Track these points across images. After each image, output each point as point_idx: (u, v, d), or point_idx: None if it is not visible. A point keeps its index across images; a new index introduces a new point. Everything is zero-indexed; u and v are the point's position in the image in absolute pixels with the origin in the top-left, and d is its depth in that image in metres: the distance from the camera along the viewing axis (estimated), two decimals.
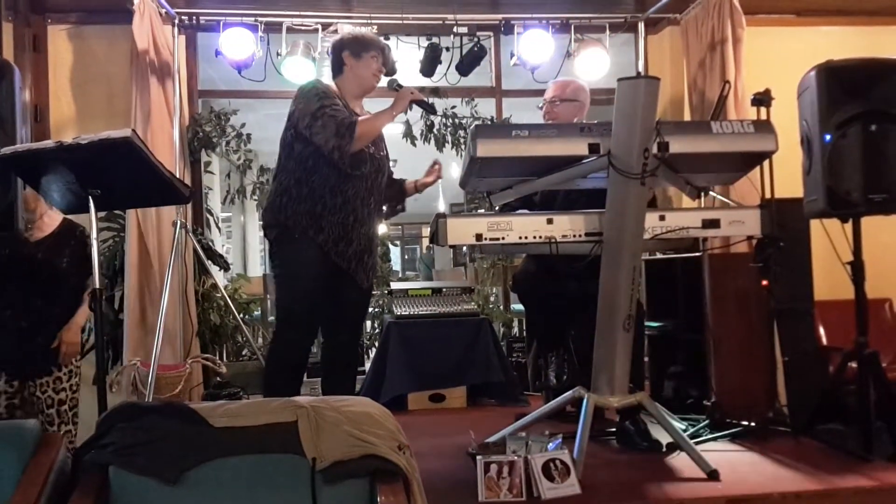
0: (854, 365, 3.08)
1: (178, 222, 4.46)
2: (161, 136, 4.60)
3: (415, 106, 3.36)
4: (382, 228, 5.72)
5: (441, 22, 5.00)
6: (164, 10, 4.69)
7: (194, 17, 4.87)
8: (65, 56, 4.91)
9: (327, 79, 3.45)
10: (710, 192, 3.22)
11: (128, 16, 4.44)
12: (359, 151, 3.15)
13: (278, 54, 4.80)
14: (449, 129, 5.35)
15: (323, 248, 3.15)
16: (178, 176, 4.14)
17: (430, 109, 3.45)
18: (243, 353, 5.24)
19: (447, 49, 4.99)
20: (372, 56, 3.28)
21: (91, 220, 2.69)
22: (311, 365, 4.38)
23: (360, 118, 3.15)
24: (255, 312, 6.26)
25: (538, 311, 3.86)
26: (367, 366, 4.93)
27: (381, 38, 3.44)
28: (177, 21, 4.81)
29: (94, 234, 2.70)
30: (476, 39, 5.02)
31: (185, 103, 4.92)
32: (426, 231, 9.55)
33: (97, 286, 2.72)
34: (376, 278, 5.33)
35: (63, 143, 2.53)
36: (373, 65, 3.28)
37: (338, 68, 3.34)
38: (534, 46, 5.01)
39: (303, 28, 4.89)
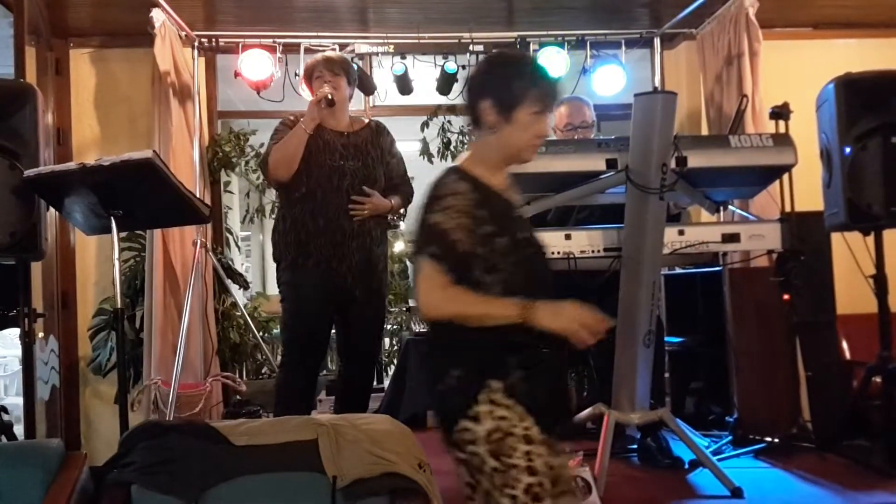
0: (878, 379, 3.04)
1: (199, 242, 4.49)
2: (182, 157, 4.65)
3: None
4: (399, 246, 5.74)
5: (457, 41, 5.03)
6: (184, 34, 4.75)
7: (214, 40, 4.93)
8: (87, 79, 4.99)
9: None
10: (730, 207, 3.21)
11: (149, 39, 4.51)
12: (300, 172, 3.23)
13: (296, 75, 4.84)
14: (466, 147, 5.36)
15: (316, 272, 3.21)
16: (198, 196, 4.18)
17: (329, 103, 3.29)
18: (263, 371, 5.26)
19: (463, 67, 5.02)
20: (316, 79, 3.37)
21: (113, 241, 2.72)
22: (331, 383, 4.41)
23: (274, 147, 3.30)
24: (275, 331, 6.27)
25: None
26: (387, 383, 4.93)
27: (320, 54, 3.55)
28: (197, 44, 4.87)
29: (116, 255, 2.73)
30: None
31: (205, 124, 4.98)
32: None
33: (118, 306, 2.75)
34: (394, 295, 5.38)
35: (85, 164, 2.57)
36: (316, 85, 3.36)
37: None
38: (550, 63, 5.03)
39: (321, 49, 4.93)
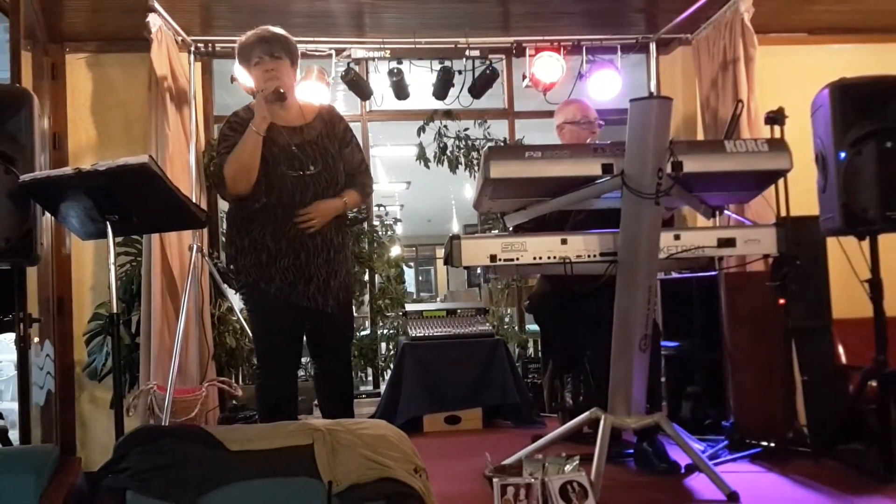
0: (874, 384, 3.04)
1: (195, 246, 4.49)
2: (178, 162, 4.65)
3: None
4: (396, 250, 5.74)
5: (453, 45, 5.04)
6: (180, 38, 4.76)
7: (210, 45, 4.93)
8: (83, 84, 5.00)
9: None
10: (725, 211, 3.21)
11: (145, 44, 4.51)
12: (259, 181, 2.91)
13: None
14: (462, 151, 5.38)
15: (280, 296, 2.97)
16: (194, 200, 4.18)
17: (280, 97, 2.92)
18: None
19: (459, 72, 5.03)
20: (254, 64, 3.00)
21: (109, 246, 2.71)
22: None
23: (227, 158, 2.93)
24: None
25: (554, 331, 3.85)
26: (383, 388, 4.93)
27: (257, 32, 3.03)
28: (193, 48, 4.88)
29: (111, 260, 2.73)
30: (488, 62, 5.06)
31: (202, 129, 4.99)
32: (440, 252, 9.59)
33: (114, 310, 2.75)
34: (390, 300, 5.38)
35: (81, 169, 2.56)
36: (256, 73, 3.01)
37: None
38: (546, 68, 5.04)
39: (317, 53, 4.95)
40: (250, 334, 4.71)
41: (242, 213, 3.03)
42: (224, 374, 4.82)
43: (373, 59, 5.13)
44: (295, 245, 2.98)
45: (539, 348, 5.32)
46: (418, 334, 4.58)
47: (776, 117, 3.39)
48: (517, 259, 2.83)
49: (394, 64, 4.98)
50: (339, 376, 3.29)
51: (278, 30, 3.06)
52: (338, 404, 3.21)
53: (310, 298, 3.01)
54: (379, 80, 5.14)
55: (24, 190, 2.72)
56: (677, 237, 2.89)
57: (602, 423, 2.88)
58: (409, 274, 11.52)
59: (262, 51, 2.99)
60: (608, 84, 5.09)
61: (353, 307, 3.47)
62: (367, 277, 5.40)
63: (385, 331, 5.42)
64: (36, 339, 3.66)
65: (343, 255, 3.15)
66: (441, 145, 5.36)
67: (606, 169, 2.76)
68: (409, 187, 9.78)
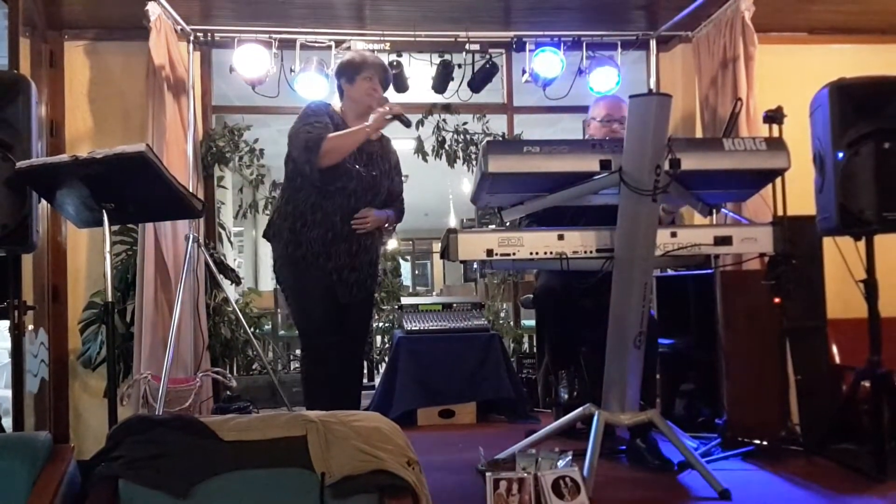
0: (867, 384, 3.05)
1: (191, 236, 4.48)
2: (175, 151, 4.64)
3: (396, 120, 3.35)
4: (392, 244, 5.74)
5: (453, 39, 5.03)
6: (179, 27, 4.74)
7: (209, 34, 4.92)
8: (81, 71, 4.98)
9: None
10: (723, 209, 3.21)
11: (144, 32, 4.50)
12: (335, 167, 3.23)
13: (292, 70, 4.85)
14: (460, 145, 5.37)
15: (302, 263, 3.28)
16: (191, 190, 4.17)
17: (406, 123, 3.39)
18: (253, 367, 5.25)
19: (459, 66, 5.02)
20: (364, 78, 3.39)
21: (105, 234, 2.71)
22: None
23: (331, 134, 3.23)
24: (266, 327, 6.28)
25: (558, 327, 3.83)
26: (377, 381, 4.93)
27: (377, 57, 3.55)
28: (192, 38, 4.86)
29: (107, 248, 2.72)
30: (488, 56, 5.05)
31: (199, 119, 4.97)
32: (437, 246, 9.58)
33: (109, 299, 2.74)
34: (386, 293, 5.39)
35: (78, 157, 2.56)
36: (364, 85, 3.39)
37: (340, 94, 3.52)
38: (545, 63, 5.04)
39: (316, 45, 4.94)
40: (246, 327, 4.76)
41: (293, 181, 3.36)
42: (219, 364, 4.82)
43: (372, 51, 5.12)
44: (326, 222, 3.29)
45: (534, 343, 5.33)
46: (414, 328, 4.58)
47: (774, 116, 3.39)
48: (514, 254, 2.83)
49: (393, 56, 4.97)
50: (352, 365, 3.45)
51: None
52: (345, 395, 3.33)
53: (327, 273, 3.27)
54: None
55: (21, 177, 2.72)
56: (674, 234, 2.88)
57: (595, 419, 2.88)
58: (406, 267, 11.53)
59: (379, 76, 3.43)
60: (607, 80, 5.08)
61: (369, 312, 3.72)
62: None
63: (381, 324, 5.42)
64: (30, 327, 3.65)
65: (368, 258, 3.43)
66: (439, 139, 5.35)
67: (604, 165, 2.75)
68: (406, 181, 9.77)
